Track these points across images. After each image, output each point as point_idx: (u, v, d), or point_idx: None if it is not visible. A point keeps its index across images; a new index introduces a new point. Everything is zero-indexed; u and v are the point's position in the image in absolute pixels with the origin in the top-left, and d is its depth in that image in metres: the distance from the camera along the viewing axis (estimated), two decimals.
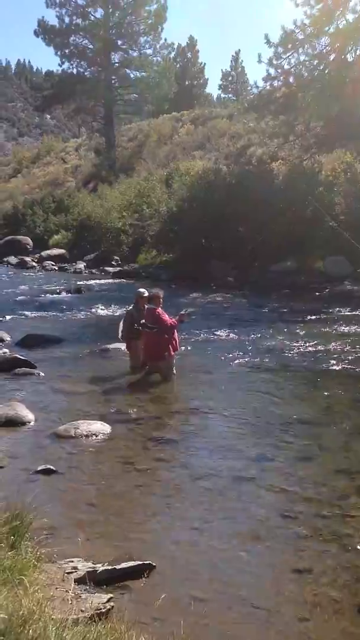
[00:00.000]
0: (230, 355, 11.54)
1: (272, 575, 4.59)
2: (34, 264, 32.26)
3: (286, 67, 23.69)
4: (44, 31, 42.67)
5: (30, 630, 3.13)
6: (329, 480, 6.16)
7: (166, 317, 10.21)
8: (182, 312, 10.65)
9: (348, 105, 21.83)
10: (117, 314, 15.38)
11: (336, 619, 4.08)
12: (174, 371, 10.29)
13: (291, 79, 23.87)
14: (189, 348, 12.05)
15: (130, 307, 11.22)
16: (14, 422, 8.04)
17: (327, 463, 6.64)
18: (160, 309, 10.29)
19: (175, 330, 10.41)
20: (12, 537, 4.23)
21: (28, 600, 3.44)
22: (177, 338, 10.50)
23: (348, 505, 5.62)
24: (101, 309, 17.16)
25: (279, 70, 23.72)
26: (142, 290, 11.20)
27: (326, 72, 23.15)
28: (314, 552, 4.87)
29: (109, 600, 4.02)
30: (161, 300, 10.46)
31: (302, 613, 4.12)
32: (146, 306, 10.55)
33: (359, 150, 23.78)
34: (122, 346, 11.48)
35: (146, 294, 10.90)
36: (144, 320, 10.47)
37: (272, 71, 23.79)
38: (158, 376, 10.29)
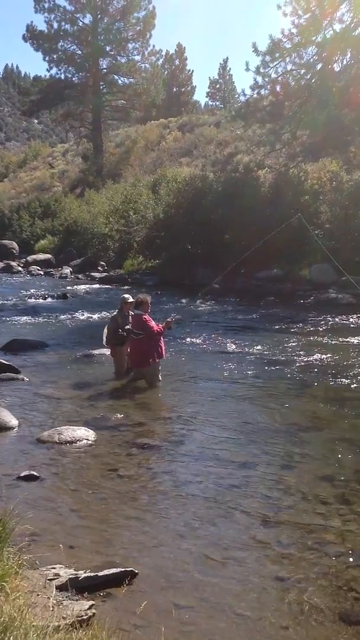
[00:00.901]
0: (216, 362, 11.56)
1: (254, 582, 4.59)
2: (19, 268, 32.20)
3: (273, 75, 23.90)
4: (33, 36, 42.75)
5: (11, 637, 3.11)
6: (312, 487, 6.18)
7: (153, 323, 10.21)
8: (169, 319, 10.66)
9: (334, 114, 22.02)
10: (103, 319, 15.36)
11: (318, 626, 4.08)
12: (159, 378, 10.28)
13: (278, 88, 24.04)
14: (174, 355, 12.05)
15: (115, 313, 11.19)
16: None
17: (311, 471, 6.65)
18: (147, 315, 10.30)
19: (162, 337, 10.42)
20: None
21: (9, 607, 3.42)
22: (163, 345, 10.50)
23: (330, 512, 5.64)
24: (86, 315, 17.14)
25: (266, 79, 23.90)
26: (127, 295, 11.20)
27: (313, 81, 23.34)
28: (296, 560, 4.87)
29: (90, 607, 4.00)
30: (149, 306, 10.48)
31: (284, 621, 4.12)
32: (133, 312, 10.55)
33: (345, 159, 23.98)
34: (107, 352, 11.48)
35: (131, 299, 10.90)
36: (129, 326, 10.48)
37: (259, 79, 24.01)
38: (143, 382, 10.28)
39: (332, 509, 5.71)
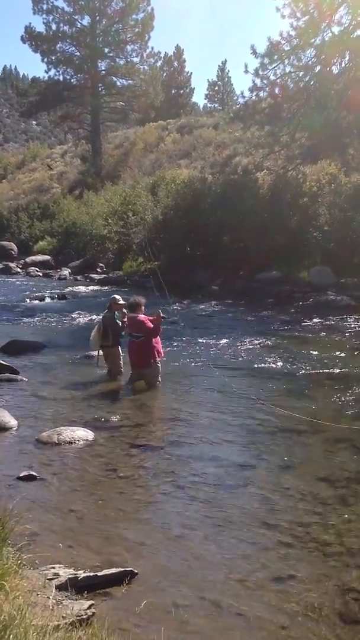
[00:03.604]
0: (215, 363, 11.56)
1: (254, 582, 4.59)
2: (18, 269, 32.19)
3: (272, 78, 23.87)
4: (31, 38, 42.71)
5: (11, 636, 3.12)
6: (310, 488, 6.18)
7: (149, 323, 10.19)
8: (158, 312, 10.50)
9: (333, 117, 22.05)
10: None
11: (318, 626, 4.09)
12: (159, 379, 10.28)
13: (277, 90, 24.04)
14: (173, 356, 12.05)
15: (106, 313, 11.05)
16: None
17: (310, 472, 6.66)
18: (141, 315, 10.28)
19: (160, 334, 10.41)
20: None
21: (9, 606, 3.42)
22: (160, 343, 10.50)
23: (329, 513, 5.65)
24: (85, 316, 17.14)
25: (265, 81, 23.89)
26: (117, 296, 11.15)
27: (311, 83, 23.36)
28: (296, 560, 4.88)
29: (90, 607, 4.00)
30: (143, 307, 10.45)
31: (283, 620, 4.13)
32: (128, 314, 10.53)
33: (343, 161, 23.99)
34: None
35: (121, 301, 10.90)
36: (125, 329, 10.52)
37: (258, 82, 23.97)
38: (142, 383, 10.28)
39: (331, 509, 5.72)
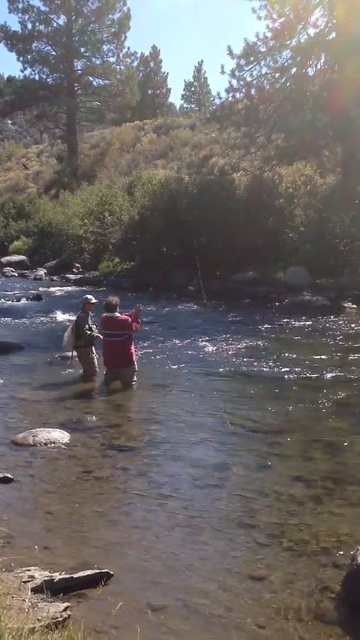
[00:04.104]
0: (191, 364, 11.57)
1: (230, 582, 4.60)
2: None
3: (248, 79, 23.97)
4: (6, 36, 42.41)
5: None
6: (286, 488, 6.20)
7: (130, 319, 10.17)
8: (137, 307, 10.53)
9: (308, 118, 22.20)
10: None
11: (294, 626, 4.10)
12: (135, 379, 10.26)
13: (253, 91, 24.12)
14: (149, 357, 12.04)
15: (80, 314, 11.01)
16: None
17: (285, 471, 6.68)
18: (118, 314, 10.23)
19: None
20: None
21: None
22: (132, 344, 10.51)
23: (305, 512, 5.67)
24: (61, 316, 17.04)
25: (241, 82, 23.98)
26: (90, 296, 11.15)
27: (288, 85, 23.48)
28: (272, 560, 4.89)
29: (65, 609, 3.98)
30: (118, 307, 10.39)
31: (260, 620, 4.13)
32: (105, 315, 10.47)
33: (319, 163, 24.16)
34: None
35: (94, 300, 10.89)
36: (99, 329, 10.49)
37: (234, 83, 24.07)
38: (118, 384, 10.25)
39: (306, 508, 5.75)
